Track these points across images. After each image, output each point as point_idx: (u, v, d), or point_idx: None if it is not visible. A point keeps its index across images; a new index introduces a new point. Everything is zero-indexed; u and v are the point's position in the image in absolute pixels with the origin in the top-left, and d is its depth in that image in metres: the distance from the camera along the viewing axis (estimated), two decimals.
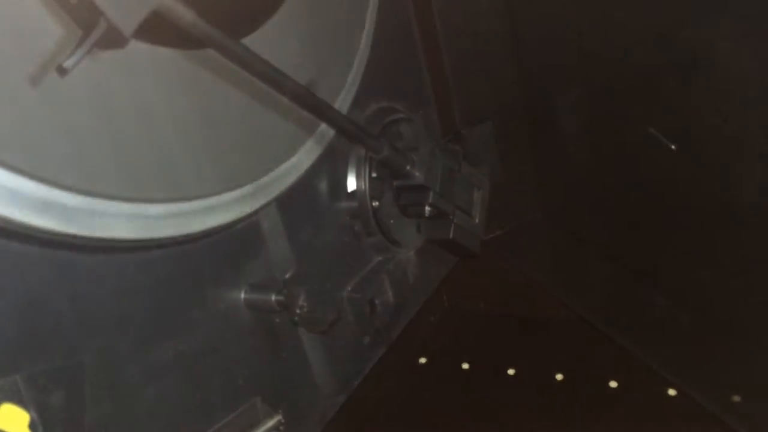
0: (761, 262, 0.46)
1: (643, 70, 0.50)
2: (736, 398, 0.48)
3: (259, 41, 0.38)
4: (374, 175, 0.48)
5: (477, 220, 0.54)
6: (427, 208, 0.49)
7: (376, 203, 0.48)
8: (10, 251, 0.29)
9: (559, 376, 0.57)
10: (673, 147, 0.51)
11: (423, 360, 0.62)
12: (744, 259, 0.47)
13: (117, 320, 0.33)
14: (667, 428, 0.50)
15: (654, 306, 0.56)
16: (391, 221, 0.50)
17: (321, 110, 0.39)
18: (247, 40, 0.37)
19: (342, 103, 0.46)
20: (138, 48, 0.32)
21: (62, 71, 0.27)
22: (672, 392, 0.52)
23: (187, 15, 0.31)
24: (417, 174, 0.47)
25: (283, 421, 0.40)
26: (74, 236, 0.30)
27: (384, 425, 0.55)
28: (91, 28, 0.27)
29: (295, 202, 0.43)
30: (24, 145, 0.28)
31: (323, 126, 0.44)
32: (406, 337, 0.58)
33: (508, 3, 0.59)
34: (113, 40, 0.28)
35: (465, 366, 0.60)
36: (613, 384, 0.54)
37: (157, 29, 0.31)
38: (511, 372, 0.58)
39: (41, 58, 0.28)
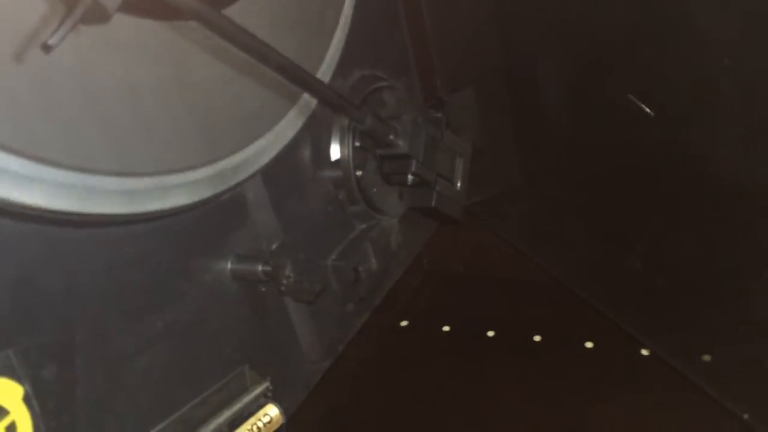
0: (731, 228, 0.47)
1: (623, 36, 0.51)
2: (706, 358, 0.50)
3: (241, 10, 0.38)
4: (357, 144, 0.48)
5: (459, 188, 0.55)
6: (410, 177, 0.50)
7: (359, 172, 0.48)
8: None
9: (536, 338, 0.58)
10: (650, 112, 0.51)
11: (404, 323, 0.63)
12: (716, 225, 0.49)
13: (107, 293, 0.34)
14: (640, 387, 0.51)
15: (629, 270, 0.58)
16: (374, 190, 0.51)
17: (305, 82, 0.39)
18: (229, 9, 0.37)
19: (326, 70, 0.46)
20: (120, 20, 0.31)
21: (47, 48, 0.26)
22: (645, 352, 0.53)
23: None
24: (400, 143, 0.48)
25: (270, 387, 0.41)
26: (62, 212, 0.30)
27: (367, 387, 0.56)
28: (74, 4, 0.27)
29: (279, 173, 0.44)
30: (8, 122, 0.27)
31: (306, 95, 0.44)
32: (388, 300, 0.59)
33: None
34: (97, 15, 0.28)
35: (446, 328, 0.61)
36: (588, 344, 0.56)
37: (141, 2, 0.31)
38: (490, 334, 0.60)
39: (24, 33, 0.28)
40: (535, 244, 0.65)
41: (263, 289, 0.43)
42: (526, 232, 0.66)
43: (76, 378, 0.32)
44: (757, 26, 0.41)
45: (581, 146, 0.59)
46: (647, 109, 0.51)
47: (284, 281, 0.39)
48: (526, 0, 0.58)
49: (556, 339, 0.57)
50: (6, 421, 0.29)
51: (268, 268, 0.40)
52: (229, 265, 0.41)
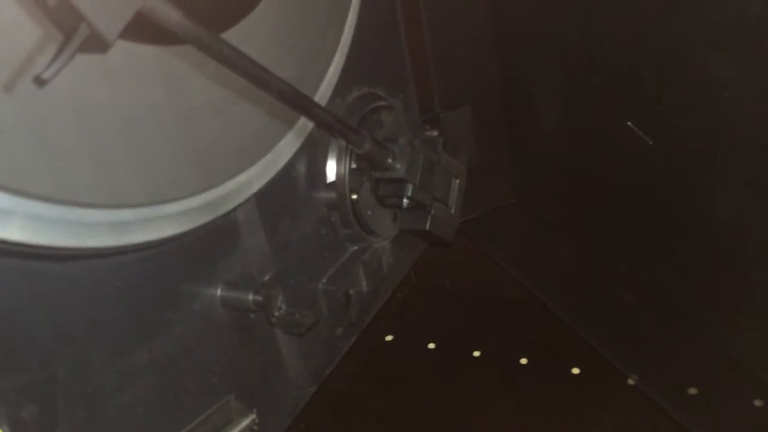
0: (724, 262, 0.47)
1: (621, 63, 0.50)
2: (693, 391, 0.50)
3: (240, 33, 0.36)
4: (354, 166, 0.47)
5: (453, 211, 0.54)
6: (406, 201, 0.48)
7: (354, 196, 0.47)
8: None
9: (523, 360, 0.57)
10: (648, 141, 0.51)
11: (389, 337, 0.62)
12: (706, 258, 0.49)
13: (90, 327, 0.32)
14: (625, 417, 0.51)
15: (617, 299, 0.58)
16: (369, 212, 0.49)
17: (305, 107, 0.37)
18: (228, 32, 0.35)
19: (324, 91, 0.44)
20: (115, 45, 0.30)
21: (41, 82, 0.25)
22: (631, 382, 0.53)
23: (172, 15, 0.29)
24: (398, 167, 0.46)
25: (257, 420, 0.39)
26: (46, 247, 0.28)
27: (349, 405, 0.55)
28: (71, 33, 0.25)
29: (273, 196, 0.42)
30: (4, 159, 0.26)
31: (302, 119, 0.42)
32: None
33: None
34: (95, 44, 0.26)
35: (431, 346, 0.61)
36: (575, 370, 0.55)
37: (137, 27, 0.29)
38: (476, 354, 0.59)
39: (17, 61, 0.26)
40: (523, 266, 0.64)
41: (252, 316, 0.41)
42: (514, 253, 0.66)
43: (56, 418, 0.31)
44: (756, 66, 0.40)
45: (575, 169, 0.59)
46: (646, 138, 0.51)
47: (276, 313, 0.38)
48: (526, 22, 0.57)
49: (543, 363, 0.57)
50: None
51: (259, 298, 0.39)
52: (218, 292, 0.39)
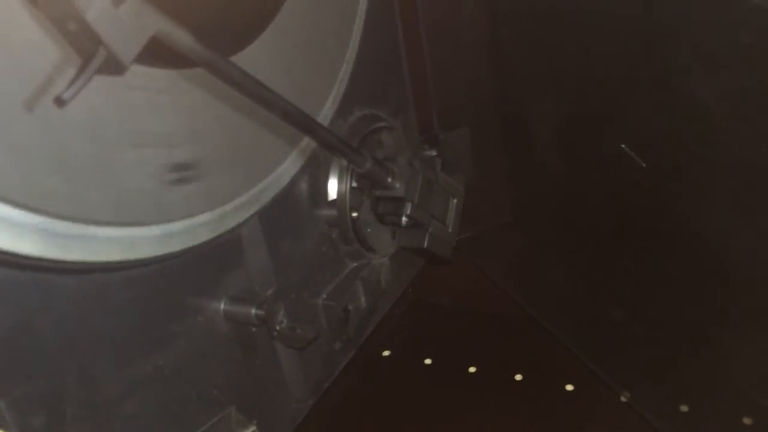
0: (714, 282, 0.48)
1: (618, 88, 0.51)
2: (684, 408, 0.50)
3: (249, 56, 0.37)
4: (355, 185, 0.48)
5: (450, 229, 0.55)
6: (405, 219, 0.50)
7: (355, 214, 0.48)
8: None
9: (518, 377, 0.58)
10: (642, 164, 0.52)
11: (386, 353, 0.63)
12: (698, 279, 0.50)
13: (98, 339, 0.33)
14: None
15: (611, 317, 0.58)
16: (368, 230, 0.50)
17: (309, 127, 0.38)
18: (239, 55, 0.37)
19: (327, 112, 0.46)
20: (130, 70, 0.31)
21: (60, 102, 0.26)
22: (623, 399, 0.54)
23: (185, 39, 0.30)
24: (397, 186, 0.48)
25: (257, 431, 0.40)
26: (61, 261, 0.30)
27: (347, 417, 0.56)
28: (89, 56, 0.27)
29: (276, 213, 0.43)
30: (14, 173, 0.27)
31: (306, 138, 0.43)
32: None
33: (490, 15, 0.59)
34: (111, 67, 0.27)
35: (428, 361, 0.62)
36: (569, 387, 0.56)
37: (151, 51, 0.31)
38: (472, 370, 0.60)
39: (37, 81, 0.27)
40: (519, 284, 0.65)
41: (254, 330, 0.42)
42: (511, 271, 0.67)
43: (63, 426, 0.32)
44: (744, 91, 0.42)
45: (570, 189, 0.60)
46: (639, 160, 0.52)
47: (277, 327, 0.39)
48: (522, 47, 0.58)
49: (538, 379, 0.58)
50: None
51: (261, 313, 0.40)
52: (222, 306, 0.40)
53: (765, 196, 0.43)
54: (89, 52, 0.27)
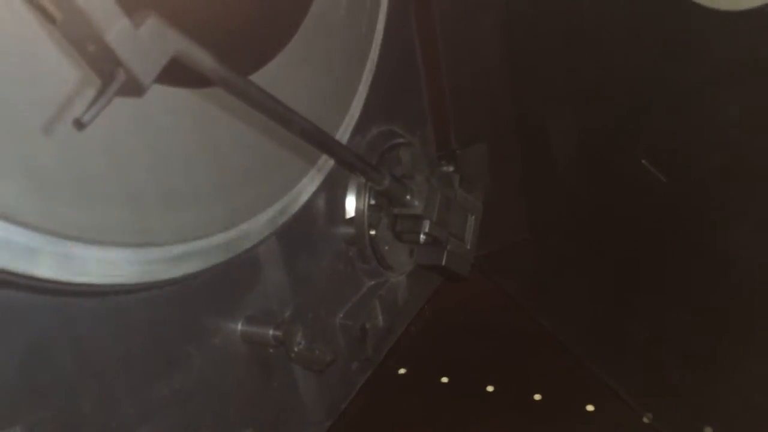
0: (738, 301, 0.48)
1: (635, 102, 0.51)
2: (708, 430, 0.49)
3: (267, 74, 0.37)
4: (373, 202, 0.48)
5: (469, 246, 0.55)
6: (422, 236, 0.49)
7: (373, 231, 0.48)
8: (11, 300, 0.28)
9: (537, 396, 0.58)
10: (663, 178, 0.51)
11: (403, 370, 0.62)
12: (720, 298, 0.49)
13: (115, 361, 0.33)
14: None
15: (632, 336, 0.58)
16: (386, 248, 0.50)
17: (327, 145, 0.38)
18: (255, 75, 0.37)
19: (345, 129, 0.46)
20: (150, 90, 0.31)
21: (80, 125, 0.26)
22: (646, 420, 0.53)
23: (205, 59, 0.30)
24: (416, 203, 0.47)
25: None
26: (77, 284, 0.29)
27: None
28: (109, 78, 0.26)
29: (293, 231, 0.43)
30: (33, 196, 0.27)
31: (324, 156, 0.43)
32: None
33: (507, 31, 0.59)
34: (131, 89, 0.27)
35: (444, 380, 0.61)
36: (590, 408, 0.55)
37: (170, 71, 0.30)
38: (490, 389, 0.59)
39: (55, 104, 0.27)
40: (537, 301, 0.64)
41: (271, 351, 0.42)
42: (529, 288, 0.66)
43: None
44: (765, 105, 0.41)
45: (589, 205, 0.60)
46: (660, 176, 0.52)
47: (295, 348, 0.38)
48: (540, 61, 0.58)
49: (557, 399, 0.57)
50: None
51: (278, 334, 0.39)
52: (239, 327, 0.40)
53: None
54: (109, 74, 0.26)
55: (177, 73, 0.32)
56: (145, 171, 0.31)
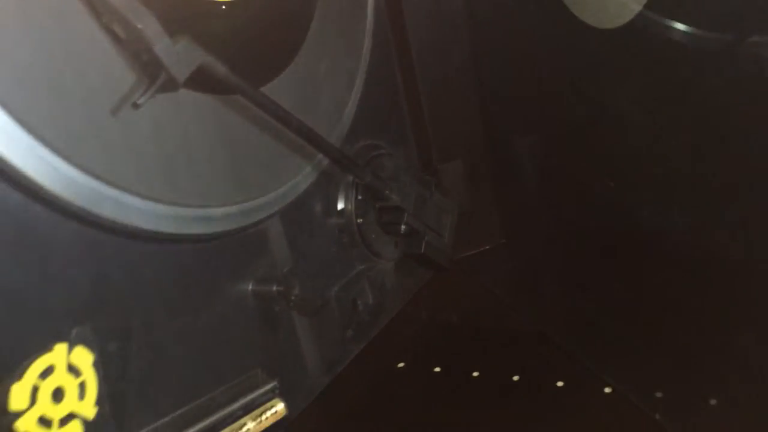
0: (681, 285, 0.56)
1: (586, 123, 0.62)
2: (658, 394, 0.57)
3: (274, 87, 0.50)
4: (360, 197, 0.59)
5: (446, 239, 0.65)
6: (403, 226, 0.60)
7: (360, 220, 0.59)
8: (86, 237, 0.40)
9: (515, 378, 0.65)
10: (611, 184, 0.61)
11: (401, 364, 0.71)
12: (671, 282, 0.56)
13: (156, 295, 0.44)
14: (602, 420, 0.59)
15: (596, 319, 0.66)
16: (373, 236, 0.61)
17: (319, 143, 0.50)
18: (266, 88, 0.49)
19: (335, 141, 0.58)
20: (184, 94, 0.43)
21: (136, 106, 0.39)
22: (607, 390, 0.61)
23: (221, 69, 0.42)
24: (394, 197, 0.59)
25: (278, 386, 0.50)
26: (132, 227, 0.41)
27: (361, 418, 0.63)
28: (154, 77, 0.39)
29: (294, 215, 0.54)
30: (107, 161, 0.39)
31: (320, 156, 0.55)
32: (388, 346, 0.68)
33: (477, 64, 0.71)
34: (170, 85, 0.40)
35: (437, 369, 0.69)
36: (560, 383, 0.63)
37: (199, 82, 0.43)
38: (475, 374, 0.67)
39: (119, 94, 0.40)
40: (516, 296, 0.73)
41: (276, 308, 0.53)
42: (509, 285, 0.75)
43: (129, 355, 0.42)
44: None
45: (554, 213, 0.69)
46: (609, 182, 0.61)
47: (293, 297, 0.49)
48: (508, 88, 0.69)
49: (532, 379, 0.64)
50: (79, 380, 0.38)
51: (280, 288, 0.50)
52: (250, 286, 0.51)
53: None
54: (154, 75, 0.39)
55: (203, 84, 0.45)
56: (179, 152, 0.43)
